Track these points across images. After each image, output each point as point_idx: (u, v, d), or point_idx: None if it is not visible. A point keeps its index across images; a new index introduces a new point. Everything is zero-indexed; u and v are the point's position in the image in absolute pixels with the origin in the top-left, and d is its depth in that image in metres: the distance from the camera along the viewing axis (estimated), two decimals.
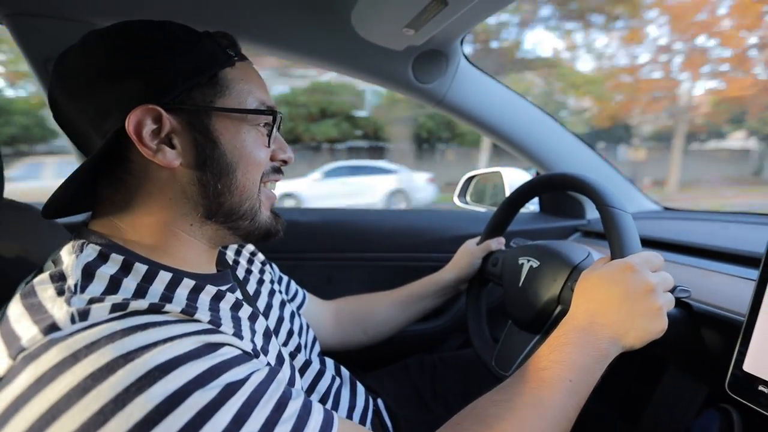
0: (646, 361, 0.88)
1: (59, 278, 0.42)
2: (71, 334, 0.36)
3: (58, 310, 0.38)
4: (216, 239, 0.55)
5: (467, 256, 0.92)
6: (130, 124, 0.45)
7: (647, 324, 0.53)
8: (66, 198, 0.49)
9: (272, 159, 0.56)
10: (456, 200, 1.49)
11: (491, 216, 0.92)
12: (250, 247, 0.76)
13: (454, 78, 1.05)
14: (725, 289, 0.66)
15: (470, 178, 1.49)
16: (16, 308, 0.40)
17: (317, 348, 0.74)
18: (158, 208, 0.50)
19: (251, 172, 0.53)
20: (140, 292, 0.44)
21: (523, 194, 0.86)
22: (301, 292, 0.86)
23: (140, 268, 0.46)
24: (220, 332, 0.42)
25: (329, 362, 0.73)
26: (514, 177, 1.28)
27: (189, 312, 0.42)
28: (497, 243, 0.92)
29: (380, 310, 0.92)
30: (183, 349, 0.37)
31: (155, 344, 0.37)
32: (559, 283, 0.69)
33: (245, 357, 0.42)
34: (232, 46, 0.54)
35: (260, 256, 0.77)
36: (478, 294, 0.92)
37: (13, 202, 0.68)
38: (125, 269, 0.45)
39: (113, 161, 0.48)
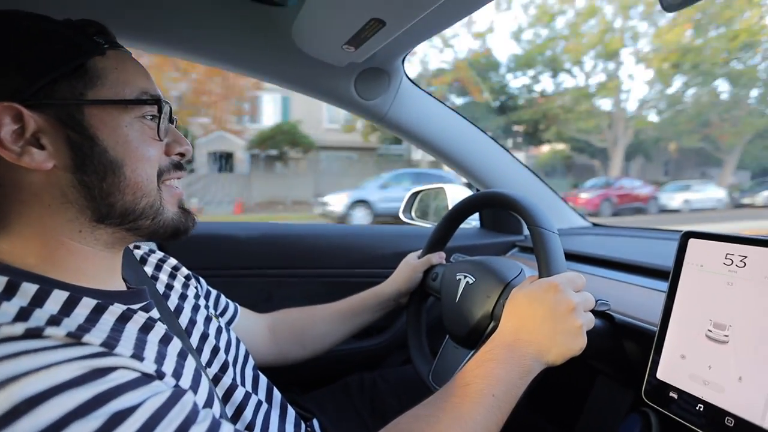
0: (578, 372, 0.92)
1: None
2: None
3: None
4: (114, 242, 0.50)
5: (408, 269, 0.92)
6: None
7: (568, 341, 0.55)
8: None
9: (168, 153, 0.53)
10: (401, 215, 1.50)
11: (432, 231, 0.94)
12: (172, 262, 0.71)
13: (396, 96, 1.06)
14: (643, 302, 0.71)
15: (415, 194, 1.51)
16: None
17: (250, 363, 0.71)
18: (36, 216, 0.45)
19: (142, 169, 0.48)
20: (23, 315, 0.39)
21: (462, 210, 0.88)
22: (232, 305, 0.82)
23: (28, 289, 0.41)
24: (113, 355, 0.39)
25: (262, 382, 0.69)
26: (457, 193, 1.31)
27: (77, 335, 0.38)
28: (438, 257, 0.93)
29: (319, 323, 0.89)
30: (62, 377, 0.34)
31: (26, 374, 0.33)
32: (492, 299, 0.70)
33: (143, 380, 0.39)
34: (100, 33, 0.49)
35: (184, 271, 0.72)
36: (418, 308, 0.93)
37: None
38: (9, 291, 0.41)
39: None
